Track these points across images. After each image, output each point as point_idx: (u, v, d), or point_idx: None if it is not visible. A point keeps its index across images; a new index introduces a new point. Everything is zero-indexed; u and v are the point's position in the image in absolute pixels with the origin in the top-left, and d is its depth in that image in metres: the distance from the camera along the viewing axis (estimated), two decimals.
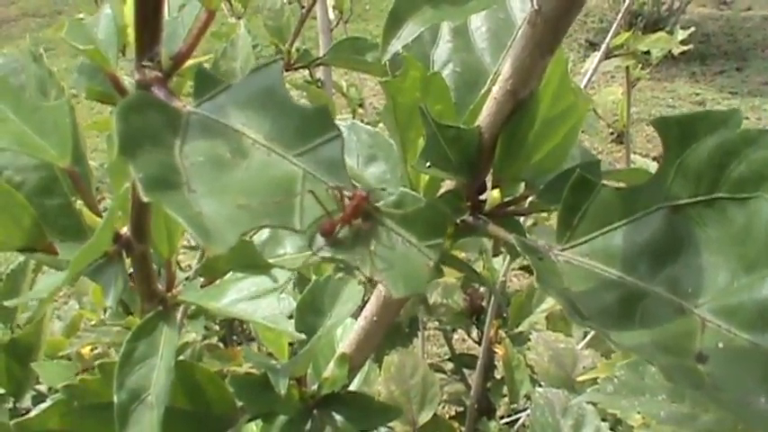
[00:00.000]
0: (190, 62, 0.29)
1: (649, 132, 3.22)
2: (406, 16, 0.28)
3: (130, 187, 0.34)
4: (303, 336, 0.40)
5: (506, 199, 0.42)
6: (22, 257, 1.03)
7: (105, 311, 1.16)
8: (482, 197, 0.42)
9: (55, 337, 1.11)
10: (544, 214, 1.40)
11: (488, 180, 0.42)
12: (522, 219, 0.47)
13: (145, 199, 0.22)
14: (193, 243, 1.55)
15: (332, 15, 1.37)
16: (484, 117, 0.40)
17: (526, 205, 0.42)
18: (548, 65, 0.38)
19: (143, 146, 0.24)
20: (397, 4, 0.28)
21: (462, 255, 1.33)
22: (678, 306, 0.31)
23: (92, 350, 1.24)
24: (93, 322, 1.20)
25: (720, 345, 0.29)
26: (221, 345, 1.49)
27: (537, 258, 0.35)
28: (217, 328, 1.50)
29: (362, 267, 0.32)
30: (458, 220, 0.41)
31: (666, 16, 3.71)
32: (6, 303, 0.46)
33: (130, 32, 0.30)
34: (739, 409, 0.26)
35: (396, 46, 0.28)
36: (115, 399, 0.41)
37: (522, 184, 0.42)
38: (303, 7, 1.10)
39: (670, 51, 1.40)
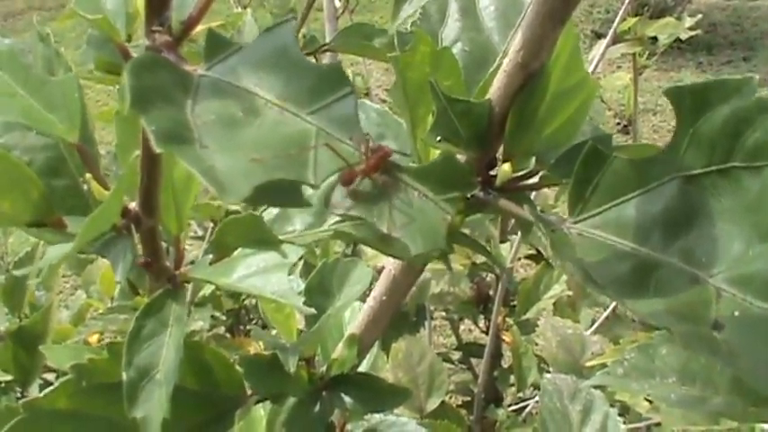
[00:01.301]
0: (200, 27, 0.28)
1: (656, 123, 3.21)
2: None
3: (139, 160, 0.34)
4: (313, 310, 0.39)
5: (517, 174, 0.41)
6: (28, 248, 1.03)
7: (112, 300, 1.16)
8: (492, 172, 0.41)
9: (62, 326, 1.11)
10: (551, 202, 1.40)
11: (499, 155, 0.42)
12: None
13: (157, 150, 0.22)
14: (200, 233, 1.55)
15: (338, 3, 1.37)
16: (494, 90, 0.40)
17: (537, 179, 0.42)
18: (558, 37, 0.38)
19: (155, 102, 0.23)
20: None
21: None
22: (693, 276, 0.31)
23: (99, 339, 1.24)
24: (100, 311, 1.20)
25: (736, 313, 0.29)
26: (228, 335, 1.49)
27: (550, 230, 0.34)
28: (224, 318, 1.50)
29: (380, 223, 0.32)
30: (468, 195, 0.40)
31: (673, 6, 3.70)
32: (16, 273, 0.46)
33: (138, 2, 0.30)
34: (755, 375, 0.26)
35: (407, 11, 0.28)
36: (124, 376, 0.40)
37: (533, 159, 0.42)
38: None
39: (676, 40, 1.39)
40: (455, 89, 0.42)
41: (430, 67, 0.41)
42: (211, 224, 1.30)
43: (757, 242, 0.31)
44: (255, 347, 1.17)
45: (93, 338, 1.21)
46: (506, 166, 0.40)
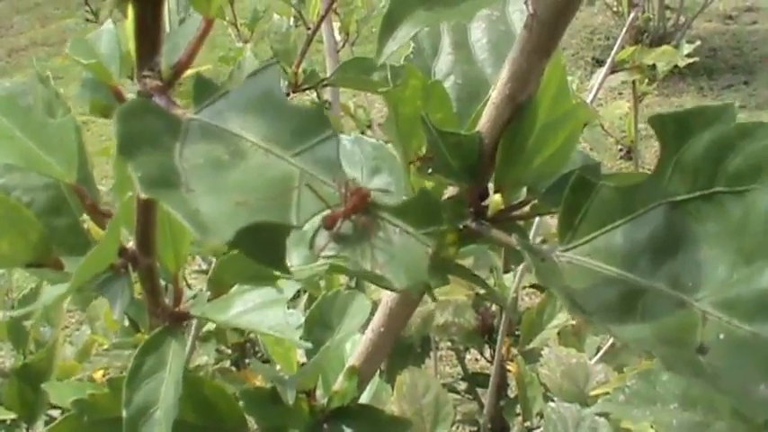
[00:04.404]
0: (190, 71, 0.29)
1: (658, 147, 3.21)
2: (400, 18, 0.29)
3: (134, 199, 0.35)
4: (309, 345, 0.40)
5: (508, 204, 0.42)
6: (33, 284, 1.04)
7: (115, 334, 1.16)
8: (484, 203, 0.42)
9: (67, 362, 1.11)
10: (553, 230, 1.40)
11: (490, 186, 0.42)
12: (532, 231, 0.47)
13: (142, 196, 0.22)
14: (204, 267, 1.56)
15: (338, 37, 1.38)
16: (484, 123, 0.41)
17: (528, 209, 0.42)
18: (545, 69, 0.38)
19: (142, 147, 0.24)
20: (391, 7, 0.29)
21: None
22: (679, 300, 0.31)
23: (104, 374, 1.24)
24: (105, 347, 1.20)
25: (721, 336, 0.29)
26: (234, 369, 1.49)
27: (539, 259, 0.35)
28: (229, 351, 1.50)
29: (363, 262, 0.32)
30: (461, 226, 0.41)
31: (672, 32, 3.71)
32: (12, 314, 0.47)
33: (130, 47, 0.30)
34: (740, 397, 0.27)
35: (391, 47, 0.29)
36: (124, 413, 0.41)
37: (524, 189, 0.43)
38: (309, 29, 1.11)
39: (677, 66, 1.40)
40: (446, 122, 0.42)
41: (421, 100, 0.42)
42: (215, 259, 1.30)
43: (742, 265, 0.31)
44: (261, 381, 1.17)
45: (98, 374, 1.21)
46: (497, 197, 0.41)
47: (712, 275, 0.32)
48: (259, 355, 1.55)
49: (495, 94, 0.40)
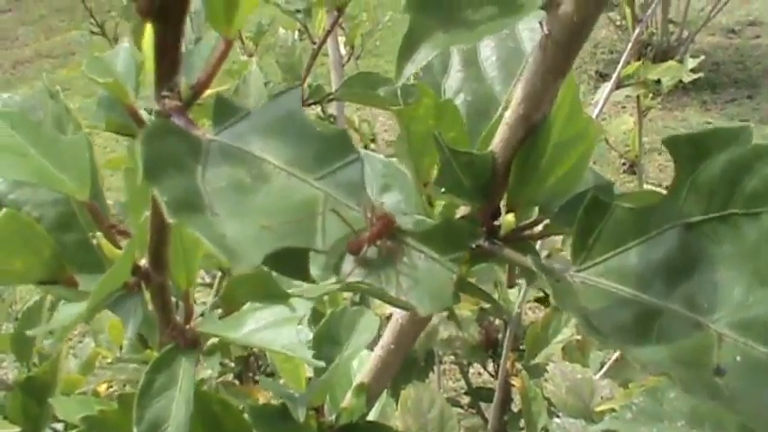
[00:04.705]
0: (209, 91, 0.29)
1: (662, 162, 3.21)
2: (419, 40, 0.29)
3: (149, 218, 0.35)
4: (322, 363, 0.40)
5: (521, 224, 0.42)
6: (37, 296, 1.03)
7: (121, 349, 1.16)
8: (497, 222, 0.42)
9: (71, 375, 1.11)
10: (558, 245, 1.40)
11: (503, 205, 0.42)
12: (537, 245, 0.47)
13: (170, 221, 0.22)
14: (208, 280, 1.56)
15: (343, 51, 1.38)
16: (497, 142, 0.41)
17: (541, 228, 0.42)
18: (559, 89, 0.38)
19: (166, 170, 0.24)
20: (410, 29, 0.29)
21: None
22: (695, 322, 0.31)
23: (108, 388, 1.24)
24: (109, 360, 1.20)
25: (738, 358, 0.29)
26: (237, 382, 1.49)
27: (554, 280, 0.35)
28: (232, 365, 1.50)
29: (388, 287, 0.32)
30: (473, 246, 0.41)
31: (676, 46, 3.72)
32: (28, 333, 0.47)
33: (148, 65, 0.30)
34: (758, 419, 0.27)
35: (410, 69, 0.29)
36: (135, 431, 0.41)
37: (537, 209, 0.43)
38: (314, 43, 1.11)
39: (680, 80, 1.40)
40: (458, 141, 0.42)
41: (433, 119, 0.42)
42: (219, 272, 1.30)
43: (758, 287, 0.31)
44: (264, 395, 1.17)
45: (102, 388, 1.21)
46: (510, 216, 0.41)
47: (728, 297, 0.32)
48: (262, 368, 1.55)
49: (508, 113, 0.40)
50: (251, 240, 0.23)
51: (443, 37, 0.28)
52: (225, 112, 0.28)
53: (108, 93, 0.33)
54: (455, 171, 0.39)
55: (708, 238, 0.33)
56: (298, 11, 1.15)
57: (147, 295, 0.43)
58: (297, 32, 1.38)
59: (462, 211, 0.44)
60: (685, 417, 0.61)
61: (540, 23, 0.36)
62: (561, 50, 0.36)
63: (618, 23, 3.90)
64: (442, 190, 0.39)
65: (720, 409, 0.43)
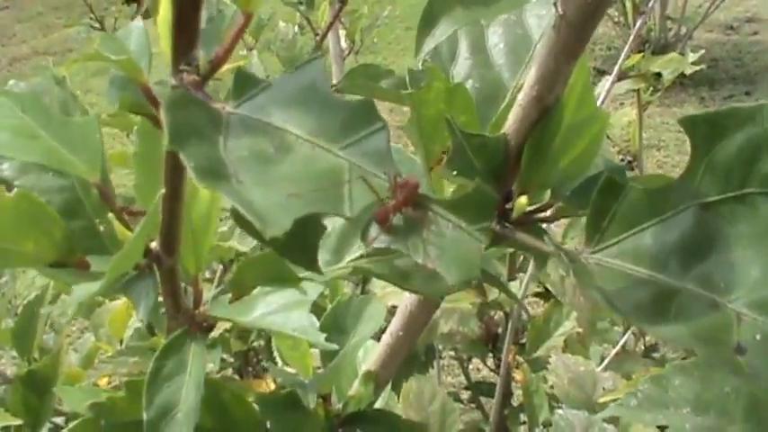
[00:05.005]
0: (228, 66, 0.29)
1: (660, 158, 3.21)
2: (439, 16, 0.29)
3: (161, 200, 0.34)
4: (335, 346, 0.40)
5: (532, 207, 0.42)
6: (37, 291, 1.03)
7: (121, 343, 1.16)
8: (508, 205, 0.42)
9: (72, 369, 1.11)
10: (559, 239, 1.40)
11: (514, 189, 0.42)
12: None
13: (199, 185, 0.22)
14: (208, 275, 1.55)
15: (344, 45, 1.38)
16: (510, 124, 0.40)
17: (553, 212, 0.42)
18: (572, 70, 0.38)
19: (190, 138, 0.24)
20: (429, 5, 0.29)
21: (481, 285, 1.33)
22: (712, 301, 0.31)
23: (108, 382, 1.23)
24: (109, 354, 1.20)
25: (758, 336, 0.29)
26: (237, 377, 1.49)
27: (570, 261, 0.35)
28: (231, 360, 1.50)
29: (415, 255, 0.32)
30: None
31: (674, 42, 3.71)
32: (43, 310, 0.46)
33: (164, 41, 0.30)
34: None
35: (429, 44, 0.29)
36: (144, 416, 0.41)
37: (548, 192, 0.42)
38: (317, 35, 1.11)
39: (679, 76, 1.40)
40: (470, 124, 0.42)
41: (444, 103, 0.42)
42: (221, 266, 1.30)
43: None
44: (265, 388, 1.16)
45: (103, 381, 1.20)
46: (523, 199, 0.40)
47: (745, 277, 0.32)
48: (262, 363, 1.55)
49: (521, 95, 0.40)
50: (279, 206, 0.22)
51: (463, 12, 0.28)
52: (245, 84, 0.28)
53: (121, 71, 0.32)
54: (467, 154, 0.39)
55: (724, 217, 0.33)
56: (300, 2, 1.14)
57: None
58: (297, 27, 1.38)
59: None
60: (690, 404, 0.61)
61: (555, 4, 0.36)
62: (575, 32, 0.36)
63: (616, 20, 3.90)
64: (454, 173, 0.39)
65: (731, 394, 0.43)
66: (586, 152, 0.40)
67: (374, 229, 0.32)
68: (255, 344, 1.49)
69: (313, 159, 0.25)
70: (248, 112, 0.27)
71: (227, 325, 1.23)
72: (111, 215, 0.41)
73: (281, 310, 0.40)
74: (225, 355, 1.45)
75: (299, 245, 0.26)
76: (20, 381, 0.92)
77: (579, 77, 0.38)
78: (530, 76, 0.39)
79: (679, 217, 0.34)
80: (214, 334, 1.30)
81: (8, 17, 5.85)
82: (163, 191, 0.33)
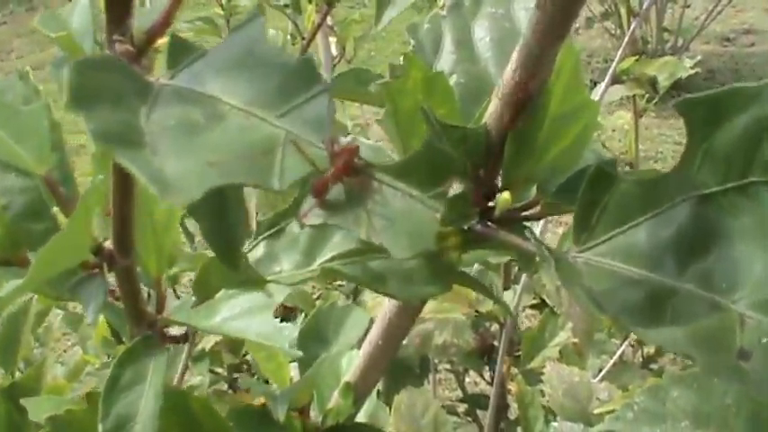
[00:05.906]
0: (164, 39, 0.26)
1: (656, 168, 3.19)
2: None
3: (111, 191, 0.31)
4: (299, 353, 0.37)
5: (517, 204, 0.39)
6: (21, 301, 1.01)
7: (109, 356, 1.15)
8: (491, 203, 0.39)
9: (57, 381, 1.09)
10: (554, 246, 1.37)
11: (497, 185, 0.39)
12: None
13: (95, 145, 0.19)
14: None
15: (334, 51, 1.35)
16: (489, 114, 0.38)
17: (539, 209, 0.39)
18: (557, 55, 0.35)
19: (100, 102, 0.21)
20: None
21: (473, 295, 1.31)
22: (712, 302, 0.28)
23: None
24: (96, 366, 1.18)
25: (764, 340, 0.26)
26: (230, 390, 1.46)
27: (555, 261, 0.32)
28: (225, 374, 1.47)
29: (358, 229, 0.29)
30: (465, 228, 0.38)
31: (670, 53, 3.71)
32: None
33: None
34: None
35: (390, 14, 0.26)
36: (100, 428, 0.38)
37: (534, 188, 0.39)
38: (303, 38, 1.08)
39: (675, 87, 1.38)
40: (450, 117, 0.39)
41: (422, 93, 0.39)
42: None
43: None
44: (259, 402, 1.14)
45: None
46: (506, 195, 0.37)
47: (749, 275, 0.29)
48: (255, 376, 1.52)
49: (502, 81, 0.37)
50: (193, 175, 0.19)
51: None
52: (180, 52, 0.25)
53: (62, 49, 0.30)
54: (445, 147, 0.36)
55: (725, 210, 0.30)
56: (286, 5, 1.12)
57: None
58: (288, 36, 1.36)
59: (453, 190, 0.41)
60: (689, 417, 0.59)
61: None
62: (560, 9, 0.33)
63: (612, 33, 3.89)
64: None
65: (731, 407, 0.40)
66: (575, 144, 0.37)
67: (308, 204, 0.29)
68: (249, 357, 1.47)
69: (246, 129, 0.23)
70: (183, 82, 0.25)
71: (218, 337, 1.22)
72: (55, 209, 0.38)
73: (245, 315, 0.38)
74: (218, 369, 1.43)
75: (219, 227, 0.23)
76: (2, 393, 0.90)
77: (566, 61, 0.35)
78: (511, 60, 0.36)
79: (675, 210, 0.31)
80: (204, 346, 1.27)
81: (6, 32, 5.86)
82: (105, 179, 0.30)
